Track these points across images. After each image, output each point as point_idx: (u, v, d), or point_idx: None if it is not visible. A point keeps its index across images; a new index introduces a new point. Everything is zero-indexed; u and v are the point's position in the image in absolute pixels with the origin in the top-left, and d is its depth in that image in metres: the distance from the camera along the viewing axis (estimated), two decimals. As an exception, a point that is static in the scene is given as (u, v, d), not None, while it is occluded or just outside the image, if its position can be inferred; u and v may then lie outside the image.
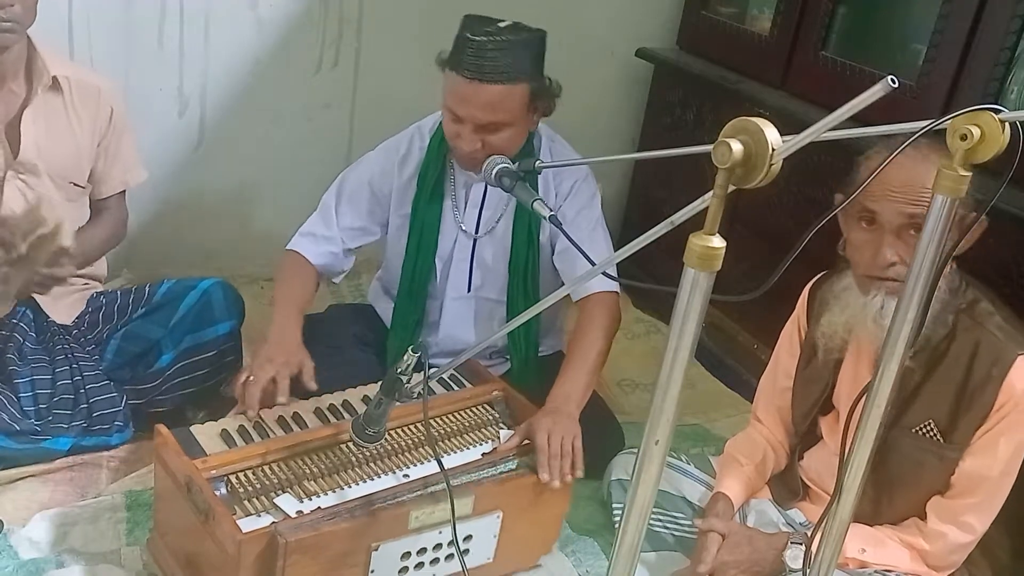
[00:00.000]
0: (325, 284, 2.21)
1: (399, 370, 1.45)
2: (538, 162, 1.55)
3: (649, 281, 2.69)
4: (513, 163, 1.59)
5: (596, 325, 1.94)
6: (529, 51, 1.87)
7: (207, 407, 2.18)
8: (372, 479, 1.63)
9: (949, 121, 1.06)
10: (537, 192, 1.60)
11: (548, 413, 1.76)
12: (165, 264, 2.69)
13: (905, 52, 2.39)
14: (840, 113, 0.86)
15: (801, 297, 1.84)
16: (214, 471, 1.56)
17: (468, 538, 1.67)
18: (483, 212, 2.09)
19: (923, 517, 1.66)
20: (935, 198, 1.11)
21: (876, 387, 1.22)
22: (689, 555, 1.75)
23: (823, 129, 0.87)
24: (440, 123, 2.03)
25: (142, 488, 1.90)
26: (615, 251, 1.14)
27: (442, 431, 1.77)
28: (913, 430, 1.62)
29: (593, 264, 1.27)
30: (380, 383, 1.51)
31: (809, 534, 1.46)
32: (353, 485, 1.60)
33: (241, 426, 1.70)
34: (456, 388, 1.91)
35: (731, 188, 0.86)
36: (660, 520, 1.83)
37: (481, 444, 1.76)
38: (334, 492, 1.58)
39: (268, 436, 1.69)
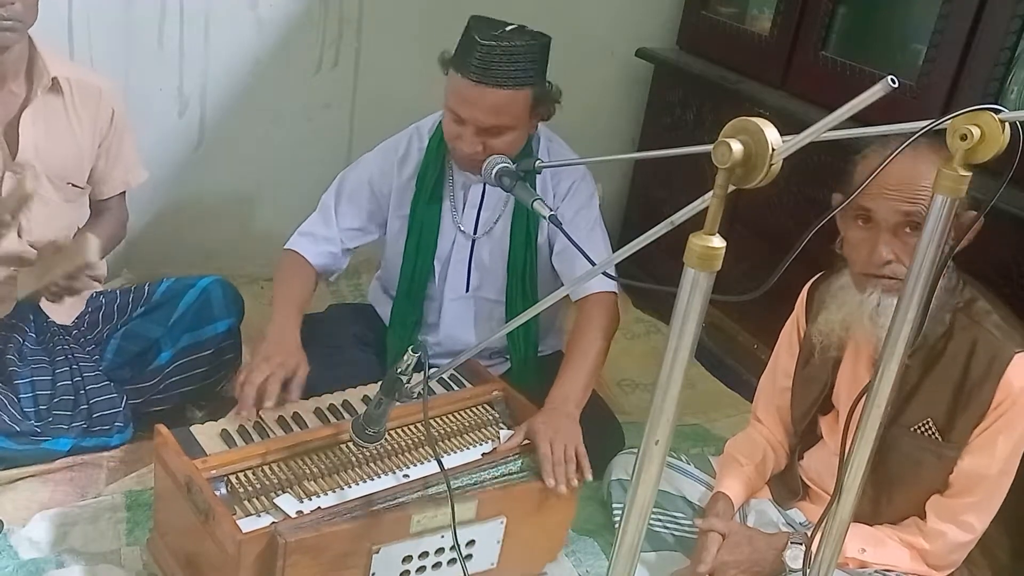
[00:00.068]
0: (325, 284, 2.22)
1: (399, 370, 1.45)
2: (538, 162, 1.56)
3: (649, 281, 2.69)
4: (512, 163, 1.60)
5: (595, 325, 1.94)
6: (535, 57, 1.87)
7: (207, 406, 2.19)
8: (372, 479, 1.63)
9: (949, 121, 1.06)
10: (535, 190, 1.59)
11: (548, 414, 1.76)
12: (165, 264, 2.69)
13: (905, 52, 2.39)
14: (840, 113, 0.86)
15: (800, 297, 1.84)
16: (214, 471, 1.56)
17: (471, 543, 1.66)
18: (481, 213, 2.09)
19: (923, 516, 1.66)
20: (935, 198, 1.11)
21: (876, 387, 1.22)
22: (689, 555, 1.75)
23: (823, 129, 0.87)
24: (439, 124, 2.04)
25: (142, 488, 1.90)
26: (615, 251, 1.13)
27: (442, 431, 1.77)
28: (911, 429, 1.62)
29: (593, 264, 1.27)
30: (380, 383, 1.51)
31: (809, 534, 1.46)
32: (353, 485, 1.60)
33: (241, 426, 1.70)
34: (456, 388, 1.91)
35: (731, 188, 0.86)
36: (660, 520, 1.83)
37: (481, 444, 1.76)
38: (334, 492, 1.58)
39: (268, 436, 1.69)
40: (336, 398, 1.83)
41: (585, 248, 1.42)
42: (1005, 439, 1.55)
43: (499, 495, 1.67)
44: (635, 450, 1.19)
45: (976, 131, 1.04)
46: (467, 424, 1.80)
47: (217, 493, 1.53)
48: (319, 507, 1.54)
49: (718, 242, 0.87)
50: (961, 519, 1.61)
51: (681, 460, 1.96)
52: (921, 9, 2.33)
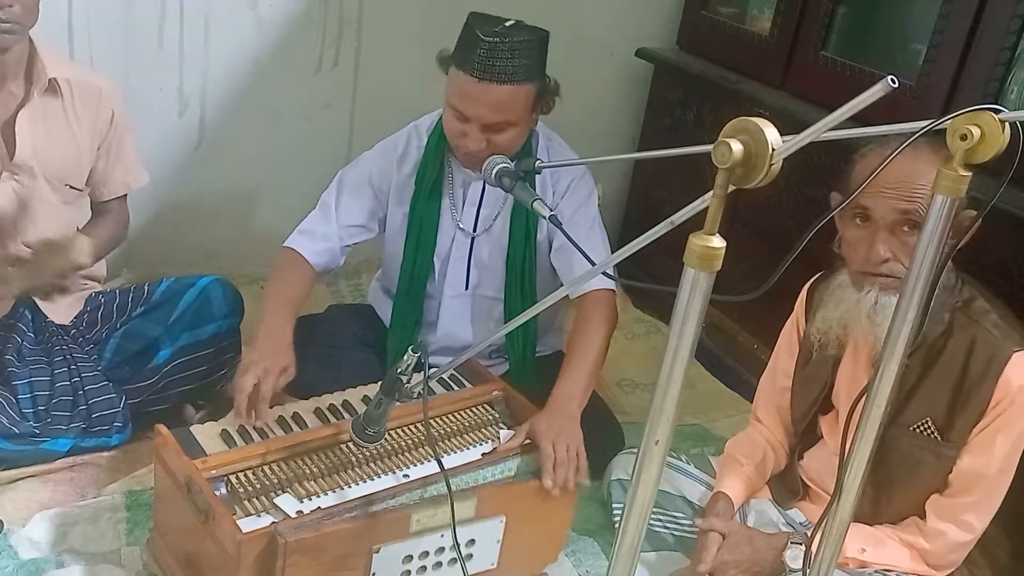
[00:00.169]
0: (324, 284, 2.21)
1: (399, 370, 1.45)
2: (538, 162, 1.56)
3: (649, 281, 2.69)
4: (512, 162, 1.60)
5: (594, 324, 1.94)
6: (536, 52, 1.88)
7: (205, 406, 2.19)
8: (372, 479, 1.62)
9: (949, 121, 1.06)
10: (535, 189, 1.59)
11: (550, 415, 1.76)
12: (165, 264, 2.69)
13: (905, 52, 2.39)
14: (840, 113, 0.86)
15: (800, 297, 1.84)
16: (214, 471, 1.56)
17: (471, 543, 1.67)
18: (481, 210, 2.09)
19: (922, 516, 1.66)
20: (935, 198, 1.11)
21: (876, 387, 1.22)
22: (689, 555, 1.75)
23: (823, 129, 0.88)
24: (437, 122, 2.04)
25: (142, 488, 1.90)
26: (614, 250, 1.14)
27: (442, 431, 1.77)
28: (911, 428, 1.62)
29: (593, 264, 1.27)
30: (380, 383, 1.51)
31: (809, 534, 1.46)
32: (353, 485, 1.60)
33: (241, 426, 1.69)
34: (456, 388, 1.91)
35: (731, 188, 0.86)
36: (660, 520, 1.83)
37: (481, 444, 1.76)
38: (334, 492, 1.58)
39: (268, 436, 1.69)
40: (336, 398, 1.82)
41: (584, 246, 1.42)
42: (1004, 438, 1.55)
43: (498, 493, 1.67)
44: (635, 450, 1.19)
45: (976, 131, 1.04)
46: (467, 424, 1.80)
47: (217, 493, 1.53)
48: (319, 507, 1.54)
49: (718, 242, 0.87)
50: (961, 518, 1.61)
51: (681, 460, 1.96)
52: (921, 9, 2.33)
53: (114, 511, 1.85)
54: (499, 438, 1.78)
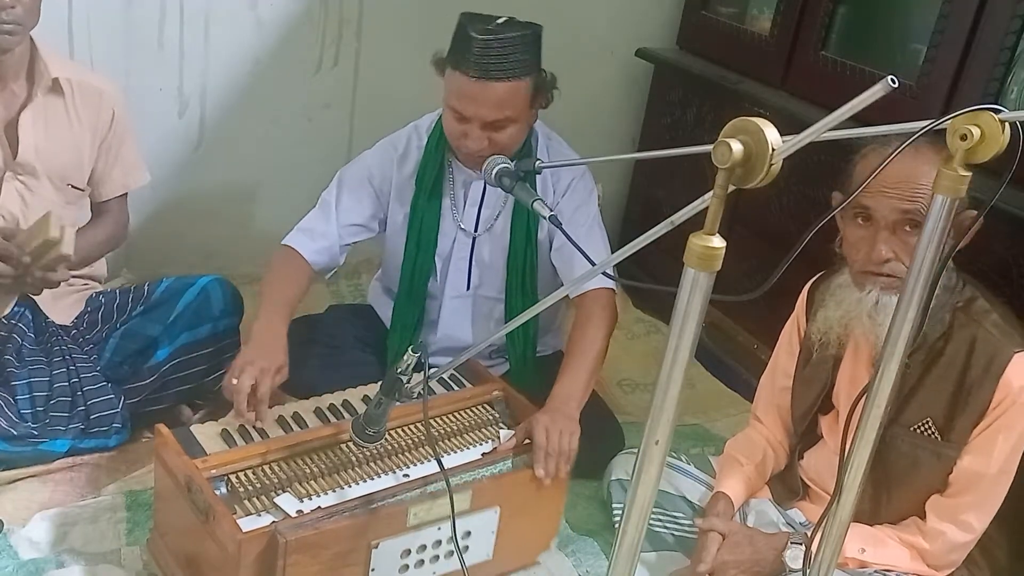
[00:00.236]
0: (324, 284, 2.21)
1: (399, 370, 1.45)
2: (538, 162, 1.56)
3: (649, 281, 2.69)
4: (512, 163, 1.60)
5: (594, 323, 1.94)
6: (530, 46, 1.88)
7: (204, 406, 2.19)
8: (372, 479, 1.63)
9: (949, 121, 1.06)
10: (535, 189, 1.59)
11: (550, 414, 1.76)
12: (165, 264, 2.69)
13: (905, 52, 2.39)
14: (840, 113, 0.86)
15: (800, 297, 1.84)
16: (214, 471, 1.56)
17: (467, 535, 1.67)
18: (482, 210, 2.09)
19: (922, 516, 1.66)
20: (935, 198, 1.11)
21: (876, 387, 1.22)
22: (689, 555, 1.75)
23: (823, 129, 0.88)
24: (437, 122, 2.04)
25: (142, 488, 1.90)
26: (614, 250, 1.14)
27: (442, 431, 1.77)
28: (911, 428, 1.62)
29: (593, 263, 1.27)
30: (380, 383, 1.51)
31: (809, 534, 1.46)
32: (353, 485, 1.60)
33: (241, 426, 1.70)
34: (456, 388, 1.91)
35: (731, 188, 0.86)
36: (660, 520, 1.83)
37: (481, 444, 1.77)
38: (334, 492, 1.58)
39: (268, 436, 1.69)
40: (336, 398, 1.83)
41: (584, 245, 1.42)
42: (1004, 438, 1.55)
43: (492, 485, 1.68)
44: (635, 450, 1.19)
45: (976, 131, 1.04)
46: (467, 424, 1.80)
47: (217, 493, 1.53)
48: (319, 506, 1.54)
49: (718, 242, 0.87)
50: (960, 519, 1.61)
51: (681, 460, 1.96)
52: (921, 9, 2.33)
53: (114, 511, 1.85)
54: (499, 438, 1.78)
